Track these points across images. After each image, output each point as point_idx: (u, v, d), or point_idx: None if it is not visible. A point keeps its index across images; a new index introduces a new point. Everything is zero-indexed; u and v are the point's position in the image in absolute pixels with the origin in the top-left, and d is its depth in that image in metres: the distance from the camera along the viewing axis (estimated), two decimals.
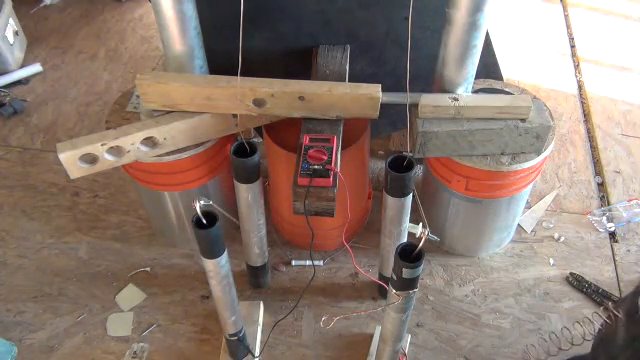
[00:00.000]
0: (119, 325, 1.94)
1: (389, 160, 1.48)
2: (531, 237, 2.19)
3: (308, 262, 2.09)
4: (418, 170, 2.27)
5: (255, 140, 1.96)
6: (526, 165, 1.72)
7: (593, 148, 2.54)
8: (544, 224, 2.23)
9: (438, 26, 1.59)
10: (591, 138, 2.59)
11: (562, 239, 2.17)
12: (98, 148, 1.60)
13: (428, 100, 1.61)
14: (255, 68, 1.56)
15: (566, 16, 3.30)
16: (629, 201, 2.31)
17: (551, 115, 1.75)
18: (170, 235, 2.13)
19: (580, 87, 2.86)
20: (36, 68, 2.94)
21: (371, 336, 1.88)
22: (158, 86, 1.60)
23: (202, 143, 1.75)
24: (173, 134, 1.68)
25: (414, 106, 1.63)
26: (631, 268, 2.08)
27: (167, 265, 2.11)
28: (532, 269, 2.09)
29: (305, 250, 2.13)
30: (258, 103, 1.61)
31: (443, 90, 1.66)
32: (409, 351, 1.86)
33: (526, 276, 2.07)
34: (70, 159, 1.59)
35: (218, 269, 1.44)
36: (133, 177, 1.87)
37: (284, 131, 1.77)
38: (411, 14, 1.39)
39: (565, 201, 2.32)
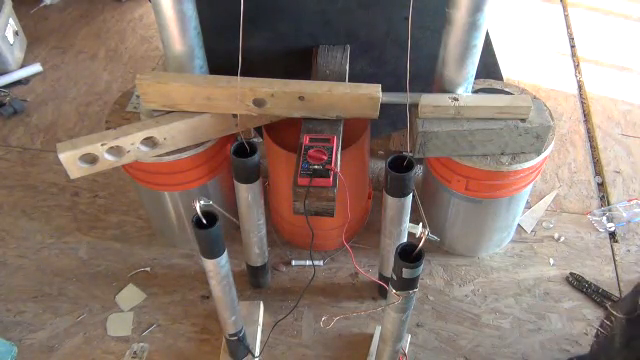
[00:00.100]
0: (119, 325, 1.94)
1: (389, 160, 1.48)
2: (531, 237, 2.19)
3: (308, 262, 2.09)
4: (418, 170, 2.27)
5: (255, 140, 1.96)
6: (526, 165, 1.72)
7: (593, 148, 2.54)
8: (544, 224, 2.23)
9: (438, 26, 1.59)
10: (591, 138, 2.59)
11: (562, 239, 2.17)
12: (98, 148, 1.60)
13: (428, 100, 1.61)
14: (255, 68, 1.56)
15: (566, 16, 3.30)
16: (629, 201, 2.30)
17: (551, 115, 1.75)
18: (170, 235, 2.13)
19: (580, 87, 2.85)
20: (36, 68, 2.95)
21: (371, 336, 1.88)
22: (158, 86, 1.60)
23: (202, 143, 1.75)
24: (173, 134, 1.68)
25: (414, 106, 1.63)
26: (631, 268, 2.08)
27: (167, 265, 2.11)
28: (532, 269, 2.09)
29: (305, 250, 2.13)
30: (258, 103, 1.61)
31: (443, 90, 1.66)
32: (409, 351, 1.86)
33: (526, 276, 2.07)
34: (70, 159, 1.59)
35: (218, 269, 1.44)
36: (133, 177, 1.87)
37: (284, 131, 1.77)
38: (411, 14, 1.38)
39: (565, 201, 2.32)
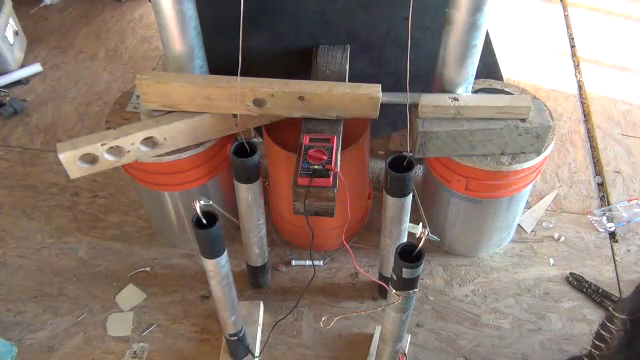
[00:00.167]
0: (119, 325, 1.94)
1: (389, 160, 1.48)
2: (531, 237, 2.19)
3: (308, 262, 2.09)
4: (418, 170, 2.27)
5: (255, 140, 1.96)
6: (526, 165, 1.72)
7: (593, 148, 2.54)
8: (544, 224, 2.23)
9: (438, 26, 1.59)
10: (591, 138, 2.59)
11: (562, 239, 2.17)
12: (98, 148, 1.60)
13: (428, 100, 1.61)
14: (255, 68, 1.56)
15: (566, 16, 3.30)
16: (629, 201, 2.30)
17: (551, 115, 1.75)
18: (170, 235, 2.13)
19: (580, 87, 2.86)
20: (36, 68, 2.95)
21: (371, 336, 1.88)
22: (158, 86, 1.60)
23: (202, 143, 1.75)
24: (173, 134, 1.68)
25: (414, 106, 1.63)
26: (631, 268, 2.08)
27: (167, 265, 2.11)
28: (532, 269, 2.09)
29: (305, 250, 2.13)
30: (258, 103, 1.61)
31: (443, 90, 1.66)
32: (409, 351, 1.86)
33: (526, 276, 2.07)
34: (70, 159, 1.59)
35: (218, 269, 1.44)
36: (133, 177, 1.87)
37: (284, 131, 1.77)
38: (411, 14, 1.39)
39: (565, 201, 2.32)
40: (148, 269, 2.10)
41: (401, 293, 1.28)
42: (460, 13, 1.47)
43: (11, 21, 2.94)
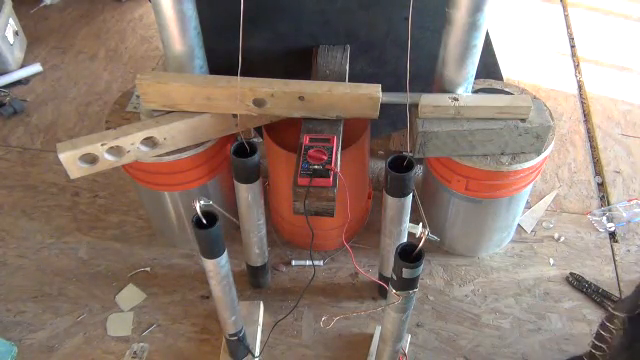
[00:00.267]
0: (119, 325, 1.94)
1: (389, 160, 1.48)
2: (531, 237, 2.19)
3: (308, 262, 2.09)
4: (418, 170, 2.27)
5: (255, 140, 1.96)
6: (526, 165, 1.72)
7: (593, 148, 2.54)
8: (544, 224, 2.23)
9: (438, 26, 1.59)
10: (591, 138, 2.59)
11: (562, 239, 2.17)
12: (98, 148, 1.60)
13: (428, 100, 1.61)
14: (255, 68, 1.56)
15: (566, 16, 3.30)
16: (629, 201, 2.30)
17: (551, 115, 1.75)
18: (170, 235, 2.13)
19: (580, 87, 2.85)
20: (36, 68, 2.95)
21: (371, 336, 1.88)
22: (158, 86, 1.60)
23: (202, 143, 1.75)
24: (173, 134, 1.68)
25: (414, 106, 1.63)
26: (631, 268, 2.08)
27: (167, 265, 2.11)
28: (532, 269, 2.09)
29: (305, 250, 2.13)
30: (258, 103, 1.61)
31: (443, 90, 1.66)
32: (409, 351, 1.86)
33: (526, 276, 2.07)
34: (70, 159, 1.59)
35: (218, 269, 1.44)
36: (133, 177, 1.87)
37: (284, 131, 1.77)
38: (411, 14, 1.39)
39: (565, 201, 2.32)
40: (148, 269, 2.10)
41: (401, 293, 1.28)
42: (460, 13, 1.47)
43: (11, 21, 2.94)
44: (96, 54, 3.08)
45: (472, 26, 1.49)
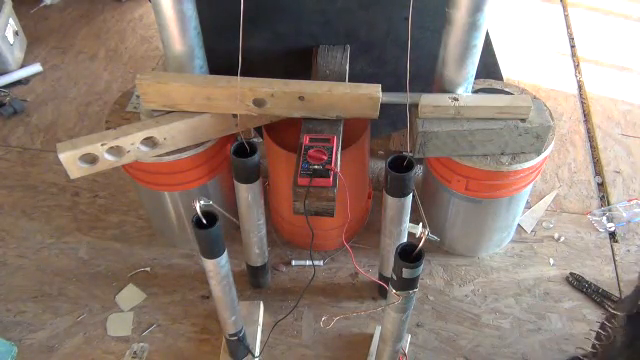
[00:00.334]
0: (119, 325, 1.94)
1: (389, 160, 1.48)
2: (531, 237, 2.19)
3: (308, 262, 2.09)
4: (418, 170, 2.27)
5: (255, 140, 1.96)
6: (526, 165, 1.72)
7: (593, 148, 2.54)
8: (544, 224, 2.23)
9: (438, 26, 1.59)
10: (591, 138, 2.59)
11: (562, 239, 2.17)
12: (98, 148, 1.60)
13: (428, 100, 1.61)
14: (255, 68, 1.56)
15: (566, 16, 3.30)
16: (629, 201, 2.30)
17: (551, 115, 1.75)
18: (170, 235, 2.13)
19: (580, 87, 2.85)
20: (36, 68, 2.95)
21: (371, 336, 1.88)
22: (158, 86, 1.60)
23: (202, 143, 1.75)
24: (173, 134, 1.68)
25: (414, 106, 1.63)
26: (631, 268, 2.08)
27: (167, 265, 2.11)
28: (532, 269, 2.09)
29: (305, 250, 2.13)
30: (258, 103, 1.61)
31: (443, 90, 1.66)
32: (409, 351, 1.86)
33: (526, 276, 2.07)
34: (70, 159, 1.59)
35: (218, 269, 1.44)
36: (133, 177, 1.87)
37: (284, 131, 1.77)
38: (411, 14, 1.39)
39: (565, 201, 2.32)
40: (148, 269, 2.10)
41: (401, 293, 1.28)
42: (460, 13, 1.47)
43: (11, 21, 2.94)
44: (96, 54, 3.08)
45: (472, 26, 1.49)
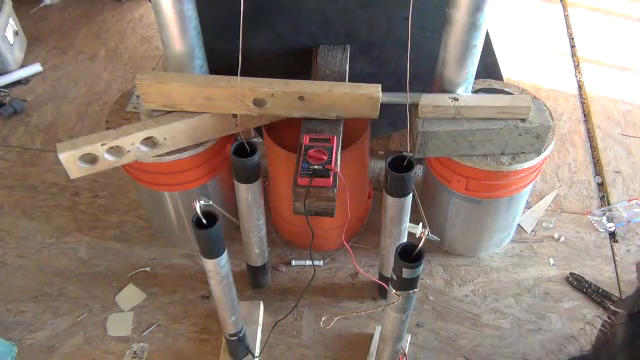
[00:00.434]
0: (119, 325, 1.94)
1: (389, 160, 1.48)
2: (531, 237, 2.19)
3: (308, 262, 2.09)
4: (418, 170, 2.27)
5: (255, 140, 1.96)
6: (526, 165, 1.72)
7: (593, 148, 2.54)
8: (544, 224, 2.23)
9: (438, 26, 1.59)
10: (591, 138, 2.59)
11: (562, 239, 2.17)
12: (98, 148, 1.60)
13: (428, 100, 1.61)
14: (255, 68, 1.56)
15: (566, 16, 3.30)
16: (629, 201, 2.30)
17: (551, 115, 1.75)
18: (170, 235, 2.13)
19: (580, 87, 2.86)
20: (36, 68, 2.95)
21: (371, 336, 1.88)
22: (158, 86, 1.60)
23: (202, 143, 1.75)
24: (173, 134, 1.68)
25: (414, 106, 1.63)
26: (631, 268, 2.08)
27: (167, 265, 2.11)
28: (532, 269, 2.09)
29: (305, 250, 2.13)
30: (258, 103, 1.61)
31: (443, 90, 1.66)
32: (409, 351, 1.86)
33: (526, 276, 2.07)
34: (70, 159, 1.59)
35: (218, 269, 1.44)
36: (133, 177, 1.87)
37: (284, 131, 1.77)
38: (411, 14, 1.39)
39: (565, 201, 2.32)
40: (148, 269, 2.10)
41: (401, 293, 1.28)
42: (460, 13, 1.47)
43: (11, 21, 2.94)
44: (96, 54, 3.08)
45: (472, 26, 1.49)
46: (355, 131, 1.78)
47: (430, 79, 1.71)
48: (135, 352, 1.87)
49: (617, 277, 2.05)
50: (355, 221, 2.13)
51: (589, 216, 2.25)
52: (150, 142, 1.67)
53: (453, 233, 2.05)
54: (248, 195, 1.62)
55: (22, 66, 2.96)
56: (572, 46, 3.10)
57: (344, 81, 1.74)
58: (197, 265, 2.10)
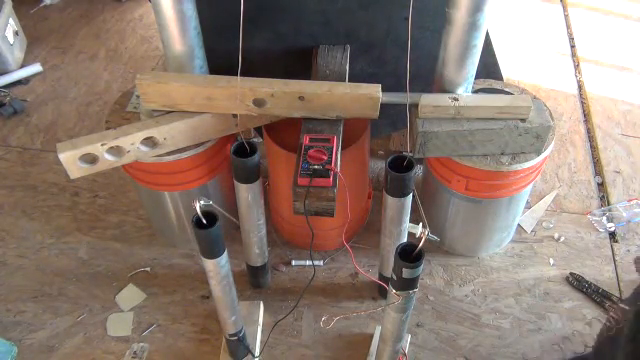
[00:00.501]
0: (119, 325, 1.94)
1: (389, 160, 1.48)
2: (531, 237, 2.19)
3: (308, 262, 2.09)
4: (418, 170, 2.27)
5: (255, 140, 1.96)
6: (526, 165, 1.72)
7: (593, 148, 2.54)
8: (544, 224, 2.23)
9: (438, 26, 1.59)
10: (591, 138, 2.59)
11: (562, 239, 2.17)
12: (98, 148, 1.60)
13: (428, 100, 1.61)
14: (255, 68, 1.56)
15: (566, 16, 3.30)
16: (629, 201, 2.30)
17: (551, 115, 1.75)
18: (170, 235, 2.13)
19: (580, 87, 2.86)
20: (36, 68, 2.95)
21: (371, 336, 1.88)
22: (158, 86, 1.60)
23: (202, 143, 1.75)
24: (173, 134, 1.68)
25: (414, 106, 1.63)
26: (631, 268, 2.08)
27: (167, 265, 2.11)
28: (532, 269, 2.09)
29: (305, 250, 2.13)
30: (258, 103, 1.61)
31: (443, 90, 1.66)
32: (409, 351, 1.86)
33: (526, 276, 2.07)
34: (70, 159, 1.59)
35: (218, 269, 1.44)
36: (133, 177, 1.87)
37: (284, 131, 1.77)
38: (411, 14, 1.39)
39: (565, 201, 2.32)
40: (148, 269, 2.10)
41: (401, 293, 1.28)
42: (460, 13, 1.47)
43: (11, 21, 2.94)
44: (96, 54, 3.08)
45: (472, 26, 1.49)
46: (355, 131, 1.78)
47: (430, 79, 1.71)
48: (135, 352, 1.87)
49: (617, 277, 2.05)
50: (355, 221, 2.13)
51: (589, 216, 2.25)
52: (150, 142, 1.68)
53: (453, 233, 2.05)
54: (248, 195, 1.62)
55: (22, 66, 2.96)
56: (572, 46, 3.10)
57: (344, 81, 1.74)
58: (197, 265, 2.10)
